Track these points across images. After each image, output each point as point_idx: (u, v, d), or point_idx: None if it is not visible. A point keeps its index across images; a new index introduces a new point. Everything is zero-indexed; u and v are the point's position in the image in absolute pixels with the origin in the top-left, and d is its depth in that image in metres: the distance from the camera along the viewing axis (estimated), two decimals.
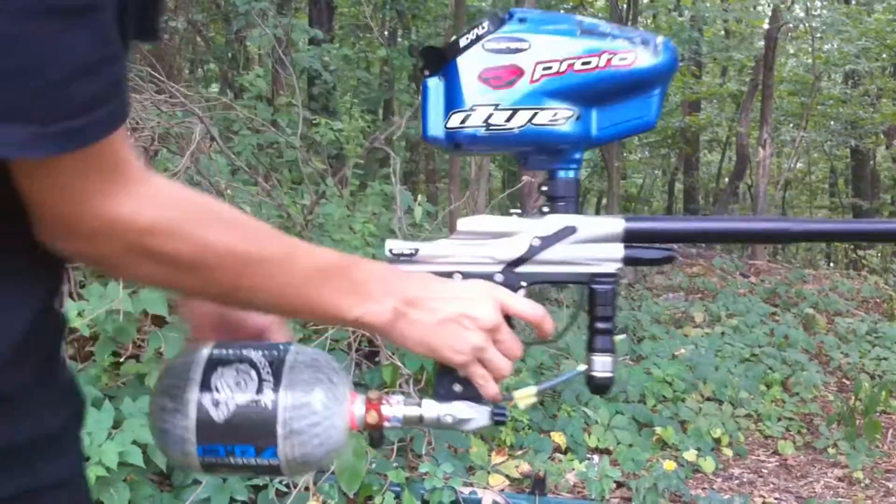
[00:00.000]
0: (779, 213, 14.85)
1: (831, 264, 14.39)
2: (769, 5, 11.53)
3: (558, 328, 0.80)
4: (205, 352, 0.72)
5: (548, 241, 0.77)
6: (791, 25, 11.73)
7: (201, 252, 0.64)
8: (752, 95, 11.34)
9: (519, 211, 0.81)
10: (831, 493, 3.52)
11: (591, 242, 0.78)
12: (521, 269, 0.78)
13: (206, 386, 0.69)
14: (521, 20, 0.76)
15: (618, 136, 0.80)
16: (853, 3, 12.95)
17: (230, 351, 0.72)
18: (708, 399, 4.21)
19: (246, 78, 4.81)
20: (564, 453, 3.44)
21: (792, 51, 13.84)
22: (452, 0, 7.46)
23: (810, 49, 12.03)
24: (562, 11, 11.21)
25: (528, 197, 6.11)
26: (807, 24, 11.53)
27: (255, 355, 0.71)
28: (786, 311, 6.45)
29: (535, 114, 0.76)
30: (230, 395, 0.69)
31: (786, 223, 0.80)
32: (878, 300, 7.49)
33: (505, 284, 0.77)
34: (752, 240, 0.84)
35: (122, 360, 2.61)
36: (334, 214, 3.73)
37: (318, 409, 0.70)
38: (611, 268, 0.78)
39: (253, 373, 0.70)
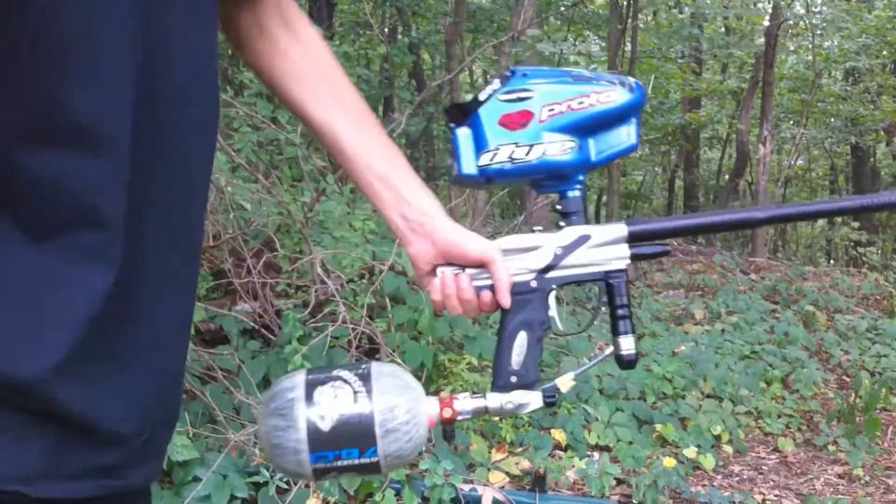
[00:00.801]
0: None
1: (831, 261, 14.39)
2: (769, 2, 11.52)
3: (580, 324, 1.00)
4: (301, 376, 0.84)
5: (568, 249, 0.94)
6: (791, 22, 11.70)
7: None
8: (753, 92, 11.33)
9: (541, 228, 0.96)
10: (831, 490, 3.52)
11: (603, 246, 0.94)
12: (550, 274, 0.94)
13: (310, 402, 0.81)
14: (524, 75, 0.94)
15: (611, 158, 0.97)
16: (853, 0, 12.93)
17: (322, 374, 0.84)
18: (708, 396, 4.22)
19: (246, 75, 4.80)
20: (565, 450, 3.44)
21: (792, 48, 13.82)
22: None
23: (811, 46, 12.02)
24: (562, 9, 11.19)
25: (528, 195, 6.11)
26: (807, 21, 11.51)
27: (344, 373, 0.83)
28: (786, 308, 6.45)
29: (546, 147, 0.93)
30: (332, 408, 0.81)
31: (764, 212, 0.97)
32: (878, 297, 7.49)
33: (538, 288, 0.93)
34: (727, 229, 1.00)
35: None
36: (335, 212, 3.73)
37: (405, 409, 0.83)
38: (621, 265, 0.95)
39: (346, 387, 0.82)
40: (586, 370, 1.02)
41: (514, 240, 0.94)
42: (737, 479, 3.57)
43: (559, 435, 3.47)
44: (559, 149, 0.93)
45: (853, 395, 4.33)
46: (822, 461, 3.84)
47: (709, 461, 3.56)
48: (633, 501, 3.12)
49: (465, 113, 0.95)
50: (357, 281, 3.40)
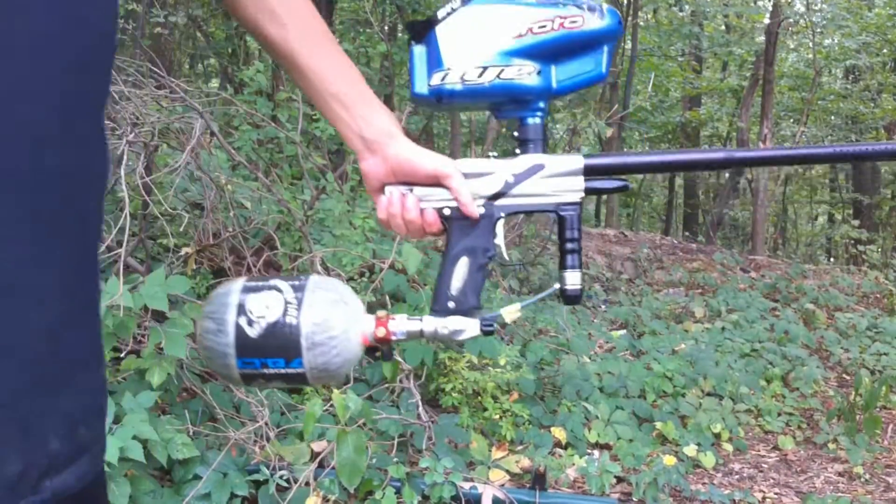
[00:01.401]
0: (779, 209, 14.84)
1: (832, 259, 14.39)
2: (770, 0, 11.51)
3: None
4: (239, 283, 0.84)
5: (520, 178, 0.91)
6: (791, 20, 11.70)
7: None
8: (753, 90, 11.32)
9: (496, 154, 0.93)
10: (831, 488, 3.52)
11: (557, 177, 0.91)
12: (499, 202, 0.91)
13: (241, 310, 0.81)
14: None
15: (574, 87, 0.93)
16: None
17: (260, 282, 0.84)
18: (708, 394, 4.22)
19: (246, 73, 4.80)
20: (565, 448, 3.44)
21: (792, 46, 13.82)
22: None
23: (811, 44, 12.01)
24: None
25: None
26: (807, 19, 11.50)
27: (280, 283, 0.83)
28: (786, 306, 6.45)
29: (502, 70, 0.89)
30: (262, 316, 0.81)
31: (723, 153, 0.93)
32: (878, 295, 7.48)
33: (486, 216, 0.90)
34: (686, 168, 0.96)
35: (122, 355, 2.61)
36: (334, 210, 3.73)
37: (335, 324, 0.82)
38: (574, 197, 0.91)
39: (280, 297, 0.82)
40: (534, 302, 1.00)
41: (466, 163, 0.91)
42: (737, 477, 3.57)
43: (559, 433, 3.47)
44: (515, 73, 0.89)
45: (853, 393, 4.32)
46: (822, 459, 3.84)
47: (709, 459, 3.56)
48: (634, 499, 3.12)
49: (424, 31, 0.91)
50: (357, 279, 3.40)
